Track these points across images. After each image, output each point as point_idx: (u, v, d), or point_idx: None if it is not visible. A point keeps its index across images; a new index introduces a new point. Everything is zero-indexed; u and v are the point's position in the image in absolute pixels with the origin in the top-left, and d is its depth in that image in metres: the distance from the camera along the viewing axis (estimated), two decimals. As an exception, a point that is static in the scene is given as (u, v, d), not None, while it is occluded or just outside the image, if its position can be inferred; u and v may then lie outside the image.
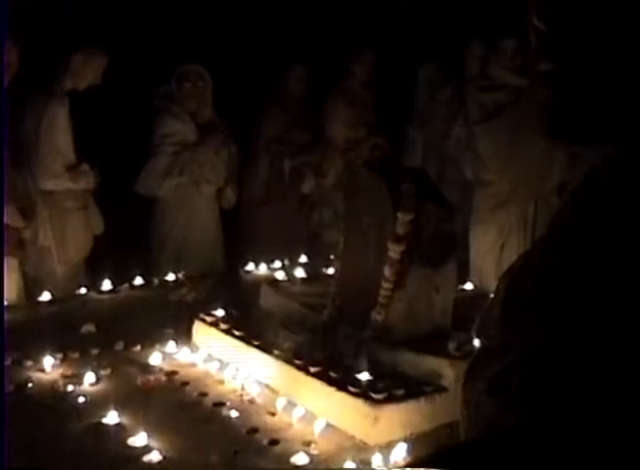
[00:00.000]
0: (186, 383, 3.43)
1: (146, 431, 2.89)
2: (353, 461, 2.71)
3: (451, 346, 3.25)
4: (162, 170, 5.75)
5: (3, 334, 3.24)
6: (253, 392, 3.29)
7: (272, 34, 7.40)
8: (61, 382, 3.39)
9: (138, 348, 3.77)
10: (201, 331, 3.82)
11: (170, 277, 4.85)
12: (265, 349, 3.44)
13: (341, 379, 3.08)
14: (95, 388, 3.36)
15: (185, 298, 4.47)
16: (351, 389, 2.98)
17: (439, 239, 3.45)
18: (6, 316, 4.15)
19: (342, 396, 2.99)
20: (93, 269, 5.22)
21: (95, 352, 3.71)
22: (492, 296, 1.13)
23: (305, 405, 3.10)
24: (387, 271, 3.37)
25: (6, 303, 4.31)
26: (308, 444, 2.87)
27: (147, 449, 2.80)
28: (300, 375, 3.20)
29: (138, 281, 4.75)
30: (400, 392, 2.96)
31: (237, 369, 3.46)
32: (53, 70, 5.21)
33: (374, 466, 2.69)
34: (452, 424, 2.71)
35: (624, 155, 1.01)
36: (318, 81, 6.76)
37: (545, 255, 1.05)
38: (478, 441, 1.00)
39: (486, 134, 5.55)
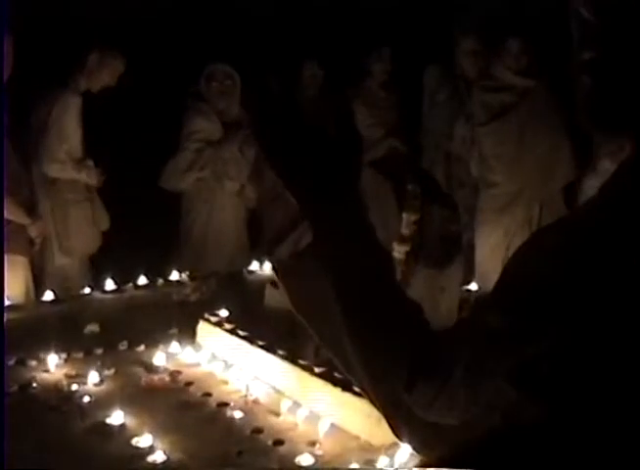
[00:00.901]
0: (190, 383, 3.42)
1: (150, 431, 2.88)
2: (358, 462, 2.70)
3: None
4: (185, 166, 5.84)
5: (3, 334, 3.23)
6: (258, 392, 3.28)
7: (293, 33, 7.44)
8: (65, 382, 3.39)
9: (142, 348, 3.76)
10: (205, 331, 3.81)
11: (174, 277, 4.84)
12: (270, 349, 3.43)
13: (345, 379, 3.07)
14: (99, 388, 3.36)
15: (189, 298, 4.46)
16: (356, 389, 2.97)
17: (445, 239, 3.44)
18: (9, 316, 4.15)
19: (346, 396, 2.99)
20: (107, 267, 5.23)
21: (99, 351, 3.70)
22: (507, 275, 1.11)
23: (310, 406, 3.10)
24: (391, 271, 3.36)
25: (8, 302, 4.30)
26: (313, 444, 2.87)
27: (151, 450, 2.80)
28: (305, 375, 3.20)
29: (142, 281, 4.74)
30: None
31: (241, 369, 3.46)
32: (69, 69, 5.33)
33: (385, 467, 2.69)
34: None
35: None
36: (336, 81, 6.76)
37: (569, 244, 1.03)
38: (502, 435, 0.99)
39: (491, 135, 5.55)
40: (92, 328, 3.95)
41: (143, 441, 2.85)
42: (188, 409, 3.19)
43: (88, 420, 3.06)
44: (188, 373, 3.53)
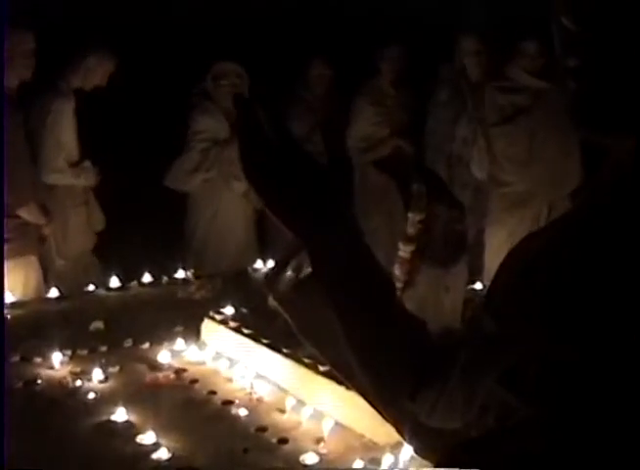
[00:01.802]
0: (195, 381, 3.43)
1: (154, 428, 2.89)
2: (363, 460, 2.71)
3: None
4: (192, 166, 5.83)
5: (3, 334, 3.24)
6: (262, 390, 3.28)
7: (302, 32, 7.46)
8: (69, 379, 3.39)
9: (147, 345, 3.77)
10: (210, 329, 3.81)
11: (179, 275, 4.85)
12: (274, 347, 3.43)
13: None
14: (104, 385, 3.36)
15: (194, 296, 4.47)
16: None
17: (450, 239, 3.44)
18: (14, 313, 4.16)
19: (351, 394, 2.98)
20: (112, 265, 5.25)
21: (104, 349, 3.71)
22: (497, 278, 1.12)
23: (314, 404, 3.10)
24: (397, 271, 3.36)
25: (13, 298, 4.31)
26: (318, 442, 2.87)
27: (155, 447, 2.80)
28: (310, 374, 3.20)
29: (147, 279, 4.75)
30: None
31: (246, 367, 3.46)
32: (60, 69, 5.32)
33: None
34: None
35: None
36: (346, 81, 6.78)
37: (556, 247, 1.04)
38: (496, 436, 1.00)
39: (504, 136, 5.54)
40: (97, 325, 3.96)
41: (147, 438, 2.85)
42: (193, 407, 3.20)
43: (93, 417, 3.06)
44: (193, 371, 3.53)
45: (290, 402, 3.14)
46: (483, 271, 5.21)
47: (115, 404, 3.07)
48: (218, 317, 3.82)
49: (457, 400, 1.08)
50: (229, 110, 5.83)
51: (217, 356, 3.63)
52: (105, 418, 3.03)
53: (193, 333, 3.83)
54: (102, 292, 4.60)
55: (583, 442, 0.92)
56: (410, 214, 3.33)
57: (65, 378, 3.40)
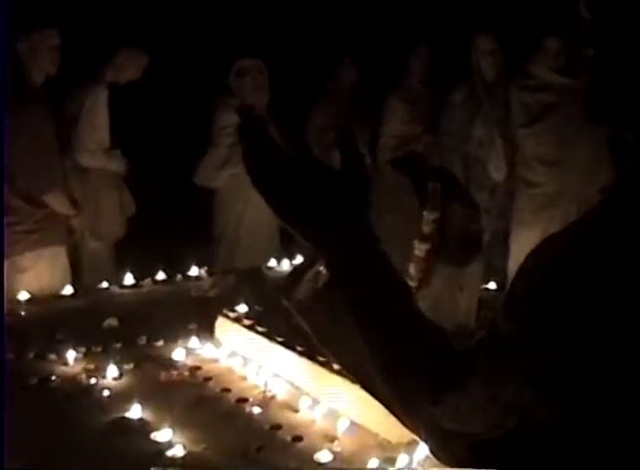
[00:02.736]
0: (209, 378, 3.42)
1: (169, 426, 2.89)
2: (377, 459, 2.70)
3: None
4: (219, 162, 5.90)
5: (3, 333, 3.25)
6: (277, 388, 3.28)
7: (331, 29, 7.50)
8: (84, 376, 3.40)
9: (161, 343, 3.77)
10: (224, 327, 3.81)
11: (193, 272, 4.85)
12: (288, 345, 3.43)
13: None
14: (118, 382, 3.37)
15: (208, 293, 4.47)
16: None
17: (465, 238, 3.44)
18: (29, 310, 4.17)
19: (365, 393, 2.98)
20: (127, 262, 5.29)
21: (118, 346, 3.71)
22: (517, 280, 1.11)
23: (329, 402, 3.10)
24: (412, 269, 3.36)
25: (27, 296, 4.33)
26: (332, 441, 2.87)
27: (170, 444, 2.80)
28: (324, 372, 3.19)
29: (161, 276, 4.75)
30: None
31: (260, 366, 3.46)
32: (97, 63, 5.56)
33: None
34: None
35: None
36: (376, 77, 6.82)
37: (575, 247, 1.04)
38: (519, 436, 1.00)
39: (533, 136, 5.51)
40: (111, 323, 3.96)
41: (162, 435, 2.85)
42: (207, 405, 3.19)
43: (107, 414, 3.07)
44: (207, 369, 3.53)
45: (304, 401, 3.14)
46: (507, 273, 5.19)
47: (130, 402, 3.07)
48: (232, 315, 3.83)
49: (479, 403, 1.07)
50: (252, 105, 5.87)
51: (231, 354, 3.63)
52: (119, 415, 3.03)
53: (207, 331, 3.84)
54: (116, 289, 4.61)
55: (604, 439, 0.91)
56: (425, 213, 3.33)
57: (79, 375, 3.40)
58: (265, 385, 3.31)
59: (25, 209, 4.71)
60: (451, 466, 1.17)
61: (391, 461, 2.71)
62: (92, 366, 3.48)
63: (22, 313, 4.14)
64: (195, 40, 7.76)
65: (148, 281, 4.70)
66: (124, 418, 3.01)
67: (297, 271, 1.28)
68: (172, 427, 2.88)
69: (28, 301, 4.30)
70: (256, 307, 3.93)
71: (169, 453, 2.74)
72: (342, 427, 2.93)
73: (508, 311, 1.08)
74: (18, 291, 4.39)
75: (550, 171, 5.46)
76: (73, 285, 4.62)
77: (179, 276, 4.81)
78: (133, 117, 5.83)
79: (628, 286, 0.95)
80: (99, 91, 5.51)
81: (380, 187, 5.86)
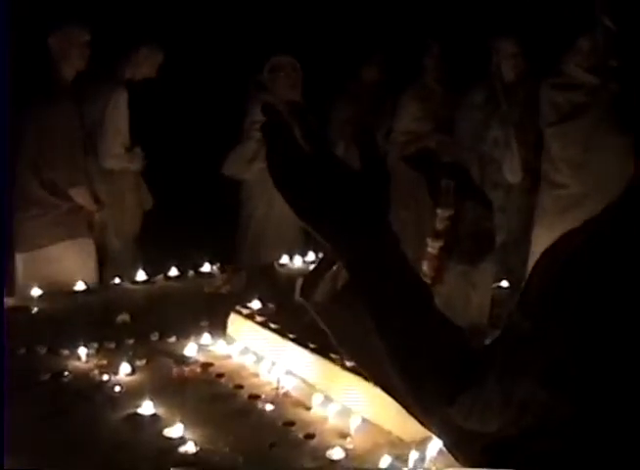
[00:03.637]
0: (221, 375, 3.43)
1: (181, 422, 2.89)
2: (389, 456, 2.70)
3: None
4: (249, 155, 5.98)
5: (3, 333, 3.25)
6: (289, 385, 3.28)
7: (356, 26, 7.55)
8: (96, 371, 3.40)
9: (173, 339, 3.77)
10: (236, 323, 3.81)
11: (205, 268, 4.86)
12: (301, 342, 3.43)
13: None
14: (130, 378, 3.37)
15: (220, 289, 4.47)
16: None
17: (478, 236, 3.43)
18: (41, 306, 4.18)
19: (377, 390, 2.97)
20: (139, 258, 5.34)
21: (130, 342, 3.72)
22: (532, 278, 1.11)
23: (341, 400, 3.10)
24: (425, 267, 3.36)
25: (39, 291, 4.34)
26: (344, 438, 2.87)
27: (182, 440, 2.80)
28: (337, 369, 3.19)
29: (173, 272, 4.76)
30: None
31: (272, 362, 3.45)
32: (116, 60, 5.68)
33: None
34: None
35: None
36: (397, 75, 6.86)
37: (591, 245, 1.03)
38: (534, 435, 0.99)
39: (561, 136, 5.48)
40: (123, 318, 3.97)
41: (174, 431, 2.85)
42: (219, 401, 3.19)
43: (119, 410, 3.07)
44: (219, 365, 3.53)
45: (316, 398, 3.13)
46: (525, 272, 5.18)
47: (142, 398, 3.07)
48: (245, 312, 3.83)
49: (494, 403, 1.07)
50: (285, 100, 5.89)
51: (244, 351, 3.63)
52: (131, 411, 3.04)
53: (219, 327, 3.84)
54: (128, 285, 4.62)
55: (616, 439, 0.91)
56: (438, 210, 3.32)
57: (91, 371, 3.41)
58: (278, 382, 3.31)
59: (50, 200, 4.77)
60: (466, 464, 1.16)
61: (404, 459, 2.71)
62: (104, 362, 3.49)
63: (35, 309, 4.15)
64: (227, 37, 7.84)
65: (160, 277, 4.71)
66: (136, 414, 3.01)
67: (315, 272, 1.27)
68: (184, 423, 2.89)
69: (40, 296, 4.31)
70: (269, 304, 3.93)
71: (181, 450, 2.74)
72: (354, 424, 2.92)
73: (522, 310, 1.08)
74: (44, 283, 4.44)
75: (576, 173, 5.42)
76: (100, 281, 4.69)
77: (191, 272, 4.82)
78: (150, 112, 5.89)
79: None
80: (119, 93, 5.59)
81: (393, 184, 5.87)
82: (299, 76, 6.05)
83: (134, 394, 3.19)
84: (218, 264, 4.91)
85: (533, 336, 1.03)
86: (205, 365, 3.51)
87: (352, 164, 1.26)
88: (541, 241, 5.47)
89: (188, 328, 3.83)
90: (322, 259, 1.28)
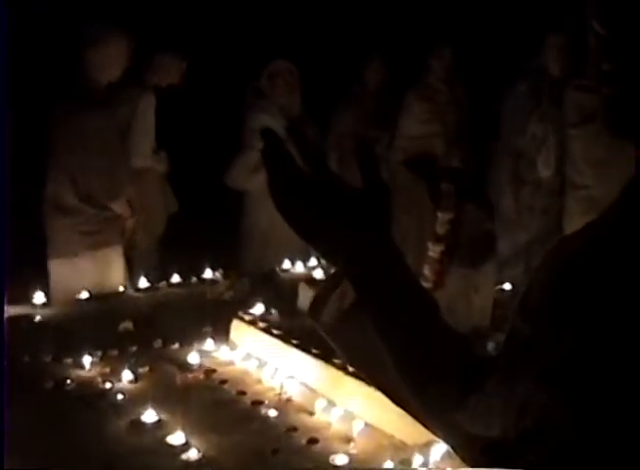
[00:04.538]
0: (224, 381, 3.43)
1: (184, 429, 2.89)
2: (393, 461, 2.70)
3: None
4: (252, 165, 5.85)
5: (3, 333, 3.26)
6: (292, 391, 3.28)
7: (352, 29, 7.55)
8: (99, 379, 3.41)
9: (176, 345, 3.77)
10: (239, 329, 3.81)
11: (208, 275, 4.86)
12: (304, 348, 3.43)
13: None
14: (133, 385, 3.37)
15: (223, 296, 4.48)
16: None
17: (479, 239, 3.44)
18: (45, 313, 4.19)
19: (380, 395, 2.97)
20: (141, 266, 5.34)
21: (133, 349, 3.72)
22: (532, 281, 1.11)
23: (344, 405, 3.10)
24: (426, 271, 3.36)
25: (43, 299, 4.34)
26: (347, 443, 2.87)
27: (185, 447, 2.80)
28: (339, 374, 3.19)
29: (176, 279, 4.76)
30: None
31: (275, 368, 3.46)
32: (143, 66, 5.71)
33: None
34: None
35: None
36: (398, 77, 6.86)
37: (591, 247, 1.03)
38: (533, 436, 1.00)
39: (583, 137, 5.47)
40: (126, 326, 3.97)
41: (177, 438, 2.86)
42: (222, 407, 3.20)
43: (122, 417, 3.07)
44: (222, 371, 3.53)
45: (319, 403, 3.13)
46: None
47: (145, 405, 3.07)
48: (247, 318, 3.83)
49: (495, 407, 1.07)
50: (284, 107, 5.88)
51: (247, 357, 3.63)
52: (134, 418, 3.04)
53: (222, 333, 3.84)
54: (131, 292, 4.62)
55: (614, 440, 0.91)
56: (439, 214, 3.33)
57: (95, 379, 3.41)
58: (281, 387, 3.31)
59: (87, 210, 4.77)
60: (471, 466, 1.17)
61: (407, 463, 2.71)
62: (107, 370, 3.49)
63: (38, 317, 4.15)
64: (224, 43, 7.84)
65: (163, 284, 4.71)
66: (139, 421, 3.01)
67: (323, 291, 1.28)
68: (187, 430, 2.89)
69: (44, 305, 4.31)
70: (272, 310, 3.94)
71: (184, 456, 2.75)
72: (357, 429, 2.92)
73: (523, 312, 1.08)
74: (77, 291, 4.48)
75: (597, 174, 5.41)
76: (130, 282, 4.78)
77: (194, 279, 4.82)
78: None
79: None
80: (148, 96, 5.67)
81: (393, 188, 5.84)
82: (298, 82, 5.99)
83: (137, 401, 3.19)
84: (221, 271, 4.91)
85: (533, 339, 1.03)
86: (209, 371, 3.51)
87: (347, 177, 1.27)
88: None
89: (191, 335, 3.83)
90: (329, 278, 1.29)
